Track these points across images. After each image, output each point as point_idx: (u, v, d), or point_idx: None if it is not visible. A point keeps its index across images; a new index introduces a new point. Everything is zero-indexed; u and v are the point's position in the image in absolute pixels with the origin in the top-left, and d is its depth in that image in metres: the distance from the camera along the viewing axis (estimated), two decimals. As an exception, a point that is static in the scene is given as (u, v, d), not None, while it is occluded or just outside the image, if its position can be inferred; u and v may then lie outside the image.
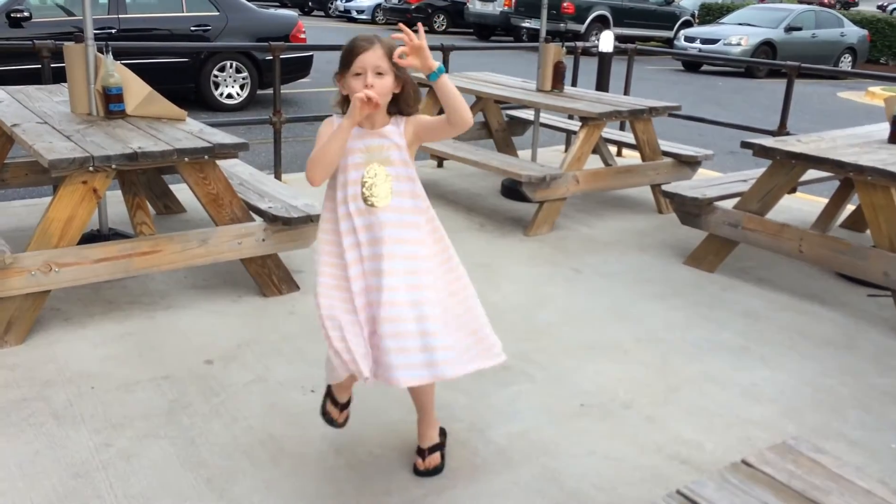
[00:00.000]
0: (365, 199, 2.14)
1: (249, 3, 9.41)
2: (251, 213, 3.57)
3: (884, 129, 4.30)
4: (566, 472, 2.47)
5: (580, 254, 4.45)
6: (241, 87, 8.82)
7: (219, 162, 3.42)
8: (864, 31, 18.36)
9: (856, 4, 30.41)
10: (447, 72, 2.47)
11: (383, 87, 2.09)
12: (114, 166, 3.09)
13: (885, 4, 28.53)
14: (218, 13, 8.60)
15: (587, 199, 5.52)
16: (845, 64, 17.67)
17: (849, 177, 3.74)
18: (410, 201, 2.19)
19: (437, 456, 2.44)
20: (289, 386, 2.89)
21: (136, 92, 3.72)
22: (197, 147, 3.28)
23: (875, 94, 13.36)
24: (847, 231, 4.97)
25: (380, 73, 2.08)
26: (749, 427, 2.77)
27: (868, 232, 3.79)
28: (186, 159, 3.26)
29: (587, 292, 3.92)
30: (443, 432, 2.53)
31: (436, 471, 2.42)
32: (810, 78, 15.19)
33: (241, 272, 3.71)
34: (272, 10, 10.00)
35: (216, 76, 8.60)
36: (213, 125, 3.78)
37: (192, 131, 3.54)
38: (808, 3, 22.21)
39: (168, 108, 3.76)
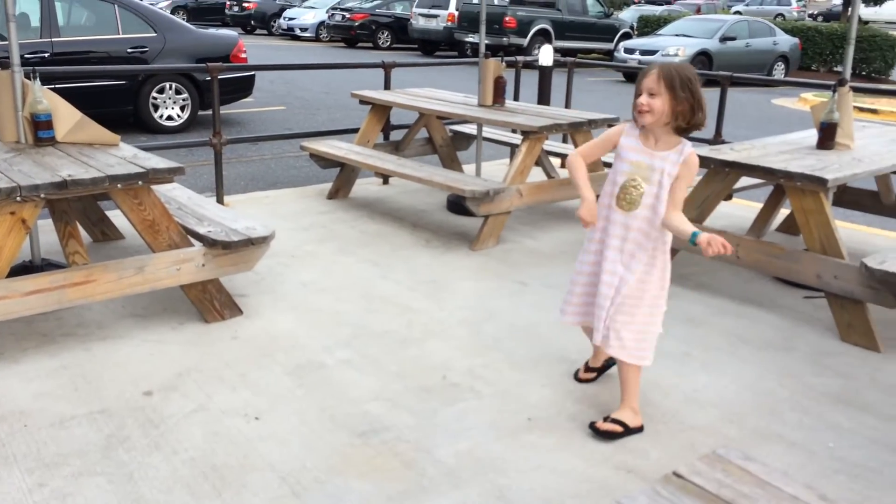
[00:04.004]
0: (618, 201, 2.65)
1: (188, 24, 9.29)
2: (190, 238, 3.51)
3: (813, 135, 4.44)
4: (514, 487, 2.47)
5: (526, 267, 4.48)
6: (182, 108, 8.69)
7: (156, 186, 3.35)
8: (796, 40, 18.98)
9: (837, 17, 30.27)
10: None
11: (652, 104, 2.47)
12: (42, 195, 3.01)
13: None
14: (155, 34, 8.47)
15: (532, 211, 5.57)
16: (778, 72, 18.23)
17: (780, 183, 3.84)
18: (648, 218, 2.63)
19: (616, 427, 2.73)
20: (231, 414, 2.83)
21: (66, 118, 3.63)
22: (130, 173, 3.21)
23: (807, 101, 13.81)
24: (782, 235, 5.12)
25: (652, 94, 2.48)
26: (693, 433, 2.82)
27: (801, 236, 3.89)
28: (119, 186, 3.19)
29: (533, 305, 3.94)
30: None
31: (608, 435, 2.72)
32: (746, 86, 15.63)
33: (181, 299, 3.64)
34: (212, 31, 9.87)
35: (155, 98, 8.47)
36: (152, 148, 3.71)
37: (126, 157, 3.46)
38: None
39: (100, 134, 3.68)
